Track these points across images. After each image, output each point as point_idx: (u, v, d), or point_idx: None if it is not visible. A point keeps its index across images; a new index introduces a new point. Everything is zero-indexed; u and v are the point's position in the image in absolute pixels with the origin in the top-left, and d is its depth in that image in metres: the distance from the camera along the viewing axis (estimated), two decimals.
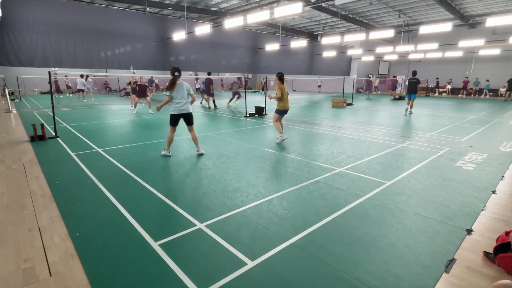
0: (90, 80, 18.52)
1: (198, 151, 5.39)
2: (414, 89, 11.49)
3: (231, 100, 15.17)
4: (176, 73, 4.98)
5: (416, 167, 4.67)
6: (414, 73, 11.78)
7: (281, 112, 6.48)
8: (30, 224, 2.85)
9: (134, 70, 17.44)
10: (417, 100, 19.28)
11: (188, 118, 5.16)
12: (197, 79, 24.56)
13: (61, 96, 21.08)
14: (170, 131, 5.18)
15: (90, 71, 21.59)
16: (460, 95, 23.60)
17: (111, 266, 2.22)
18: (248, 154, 5.42)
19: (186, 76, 24.91)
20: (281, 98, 6.33)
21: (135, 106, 12.12)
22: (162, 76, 17.23)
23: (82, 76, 17.61)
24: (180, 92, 5.05)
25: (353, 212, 3.10)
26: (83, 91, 17.61)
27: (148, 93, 14.74)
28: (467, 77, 23.37)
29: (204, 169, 4.54)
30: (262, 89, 27.97)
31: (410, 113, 11.83)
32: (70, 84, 23.24)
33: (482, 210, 3.16)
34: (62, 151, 5.61)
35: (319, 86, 27.87)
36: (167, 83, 5.13)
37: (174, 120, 5.11)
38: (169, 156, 5.28)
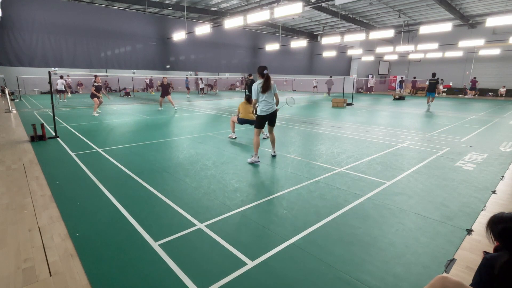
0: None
1: (273, 152, 5.36)
2: (433, 88, 13.34)
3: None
4: (265, 71, 4.79)
5: (416, 167, 4.67)
6: (434, 74, 13.51)
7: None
8: (30, 224, 2.85)
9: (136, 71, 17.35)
10: (416, 100, 19.42)
11: (274, 118, 5.02)
12: (201, 78, 24.54)
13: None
14: (257, 135, 4.92)
15: (90, 71, 21.57)
16: (472, 96, 23.15)
17: (111, 266, 2.22)
18: (249, 154, 5.42)
19: (185, 76, 25.01)
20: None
21: (160, 105, 12.97)
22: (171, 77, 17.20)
23: (61, 77, 17.47)
24: (270, 93, 4.87)
25: (353, 212, 3.10)
26: (64, 92, 17.49)
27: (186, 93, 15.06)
28: (475, 77, 23.04)
29: (204, 169, 4.54)
30: None
31: (429, 106, 13.56)
32: (70, 84, 23.28)
33: (482, 210, 3.16)
34: (62, 151, 5.61)
35: (315, 87, 27.77)
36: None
37: (263, 121, 4.94)
38: (258, 162, 4.90)
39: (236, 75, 24.18)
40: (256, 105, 5.06)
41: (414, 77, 26.39)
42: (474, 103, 17.32)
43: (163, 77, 12.67)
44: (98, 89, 11.11)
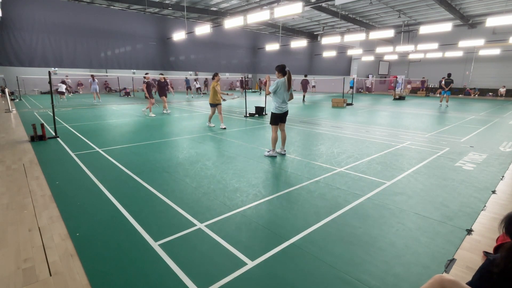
0: (97, 80, 18.17)
1: (283, 150, 5.45)
2: (449, 87, 14.45)
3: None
4: (287, 69, 5.07)
5: (416, 167, 4.67)
6: (449, 74, 14.63)
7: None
8: (30, 224, 2.85)
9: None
10: (416, 100, 19.44)
11: (286, 116, 5.33)
12: (196, 79, 24.57)
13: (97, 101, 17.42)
14: (274, 131, 5.28)
15: (90, 71, 21.58)
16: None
17: (111, 266, 2.22)
18: (248, 154, 5.42)
19: (176, 76, 24.99)
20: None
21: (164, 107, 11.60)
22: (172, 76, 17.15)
23: (64, 82, 18.55)
24: (286, 93, 5.16)
25: (353, 212, 3.10)
26: (63, 93, 18.02)
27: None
28: None
29: (204, 169, 4.54)
30: (260, 89, 27.94)
31: (447, 106, 14.73)
32: (70, 84, 23.33)
33: (482, 210, 3.16)
34: (62, 151, 5.61)
35: (313, 86, 27.80)
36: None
37: (277, 119, 5.25)
38: (275, 156, 5.28)
39: (236, 75, 24.15)
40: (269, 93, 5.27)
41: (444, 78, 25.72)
42: (474, 103, 17.32)
43: (160, 74, 11.52)
44: (149, 85, 10.66)
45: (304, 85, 18.21)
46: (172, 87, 28.91)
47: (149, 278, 2.08)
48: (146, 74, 11.11)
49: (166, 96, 11.66)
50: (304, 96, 18.28)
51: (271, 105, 5.40)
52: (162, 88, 11.51)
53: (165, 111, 11.72)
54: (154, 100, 11.25)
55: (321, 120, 10.20)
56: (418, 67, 27.53)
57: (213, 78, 8.11)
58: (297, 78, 30.65)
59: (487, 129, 8.38)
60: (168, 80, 16.55)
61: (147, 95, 10.82)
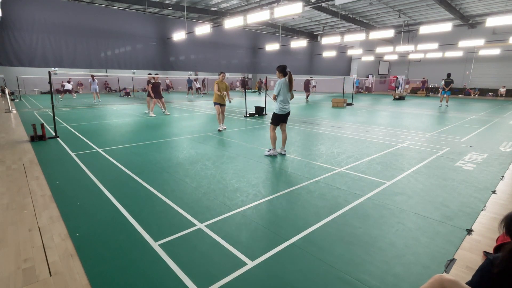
0: (97, 80, 17.96)
1: (283, 150, 5.46)
2: (449, 87, 14.58)
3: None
4: (288, 69, 5.10)
5: (416, 167, 4.67)
6: (449, 74, 14.71)
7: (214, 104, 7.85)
8: (30, 224, 2.85)
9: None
10: (416, 100, 19.45)
11: (287, 117, 5.35)
12: (196, 79, 24.59)
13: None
14: (272, 130, 5.32)
15: (90, 71, 21.59)
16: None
17: (111, 266, 2.22)
18: (248, 154, 5.42)
19: (186, 76, 25.00)
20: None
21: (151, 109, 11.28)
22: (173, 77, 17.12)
23: (69, 81, 19.65)
24: (288, 93, 5.21)
25: (353, 212, 3.10)
26: (71, 91, 19.56)
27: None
28: None
29: (204, 169, 4.54)
30: (259, 89, 27.90)
31: (447, 106, 14.86)
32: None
33: (482, 210, 3.16)
34: (62, 151, 5.61)
35: (314, 86, 27.74)
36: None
37: (279, 120, 5.28)
38: (276, 155, 5.33)
39: (236, 75, 24.17)
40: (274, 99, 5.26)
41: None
42: (474, 103, 17.32)
43: (149, 74, 11.28)
44: (154, 86, 10.66)
45: (307, 86, 18.53)
46: (171, 88, 28.69)
47: (149, 278, 2.08)
48: (156, 74, 11.11)
49: (162, 97, 11.35)
50: (307, 96, 18.69)
51: (271, 106, 5.40)
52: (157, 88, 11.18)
53: (151, 113, 11.09)
54: (163, 99, 11.37)
55: (321, 120, 10.20)
56: (418, 67, 27.53)
57: None
58: (297, 79, 30.64)
59: (487, 129, 8.38)
60: (161, 81, 16.58)
61: (151, 94, 10.83)
